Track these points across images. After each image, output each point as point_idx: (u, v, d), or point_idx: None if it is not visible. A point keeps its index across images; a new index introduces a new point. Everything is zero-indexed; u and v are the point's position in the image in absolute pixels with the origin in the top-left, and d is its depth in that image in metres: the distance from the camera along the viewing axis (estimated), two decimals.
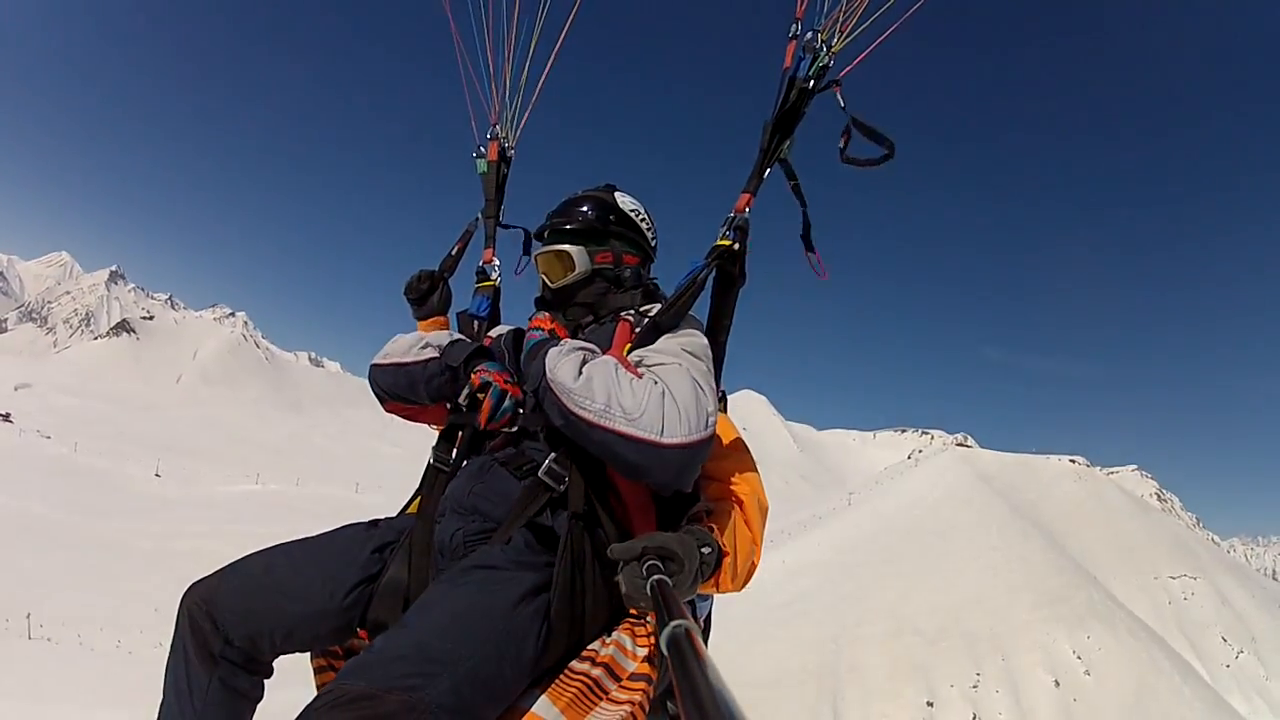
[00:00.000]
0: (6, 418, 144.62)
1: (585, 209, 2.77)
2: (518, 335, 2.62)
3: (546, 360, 2.16)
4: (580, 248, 2.70)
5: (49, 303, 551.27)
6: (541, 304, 2.78)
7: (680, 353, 2.28)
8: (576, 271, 2.68)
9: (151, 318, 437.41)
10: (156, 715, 2.22)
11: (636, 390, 2.06)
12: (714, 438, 2.13)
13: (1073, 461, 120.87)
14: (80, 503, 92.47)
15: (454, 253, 3.31)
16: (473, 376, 2.35)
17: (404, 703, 1.67)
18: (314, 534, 2.43)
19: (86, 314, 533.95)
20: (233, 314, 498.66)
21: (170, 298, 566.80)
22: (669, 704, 2.23)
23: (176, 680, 2.17)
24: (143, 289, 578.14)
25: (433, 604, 1.99)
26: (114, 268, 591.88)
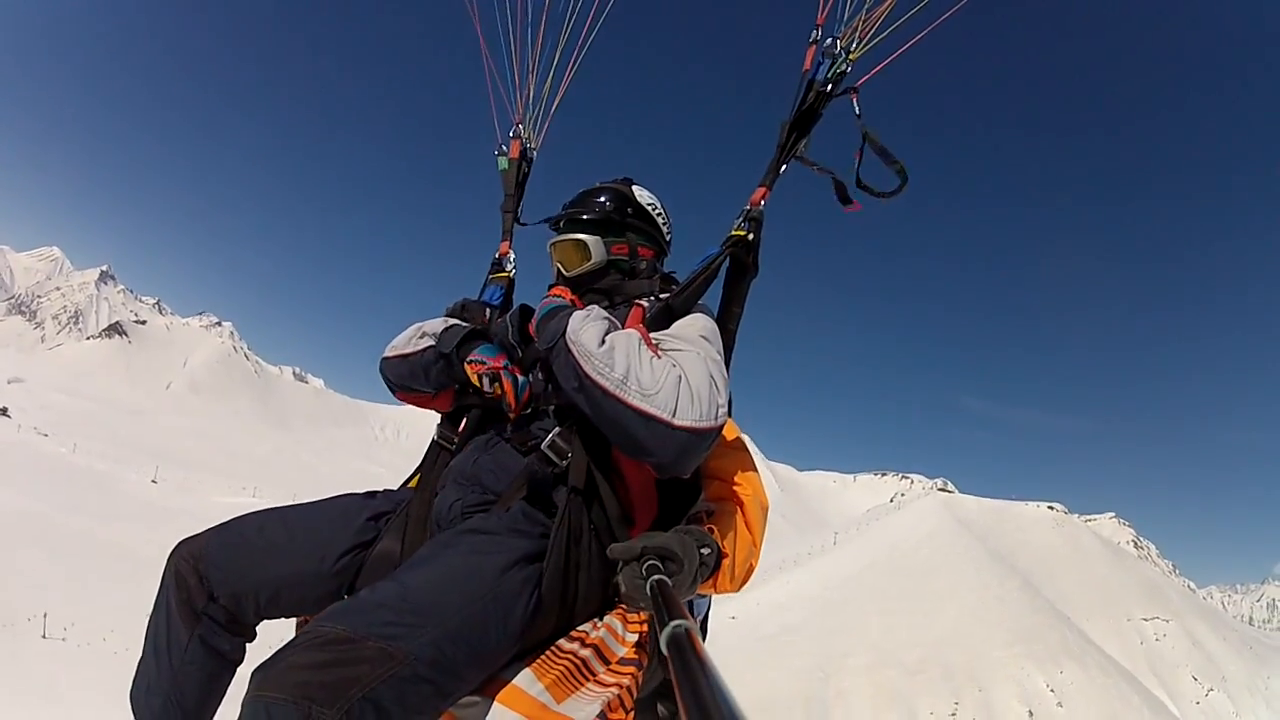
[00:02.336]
0: (4, 412, 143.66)
1: (602, 200, 2.79)
2: (525, 312, 2.73)
3: (570, 321, 2.19)
4: (596, 238, 2.71)
5: (38, 297, 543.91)
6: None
7: (697, 339, 2.30)
8: (592, 261, 2.70)
9: (144, 322, 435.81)
10: (134, 672, 2.23)
11: (655, 368, 2.07)
12: (721, 430, 2.15)
13: (1051, 508, 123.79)
14: (82, 504, 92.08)
15: (490, 279, 3.27)
16: (469, 369, 2.44)
17: (382, 651, 1.65)
18: (310, 500, 2.45)
19: (75, 312, 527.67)
20: (219, 323, 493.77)
21: (158, 302, 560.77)
22: (660, 705, 2.24)
23: (156, 636, 2.17)
24: (131, 291, 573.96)
25: (423, 560, 2.01)
26: (104, 267, 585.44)
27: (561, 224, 2.82)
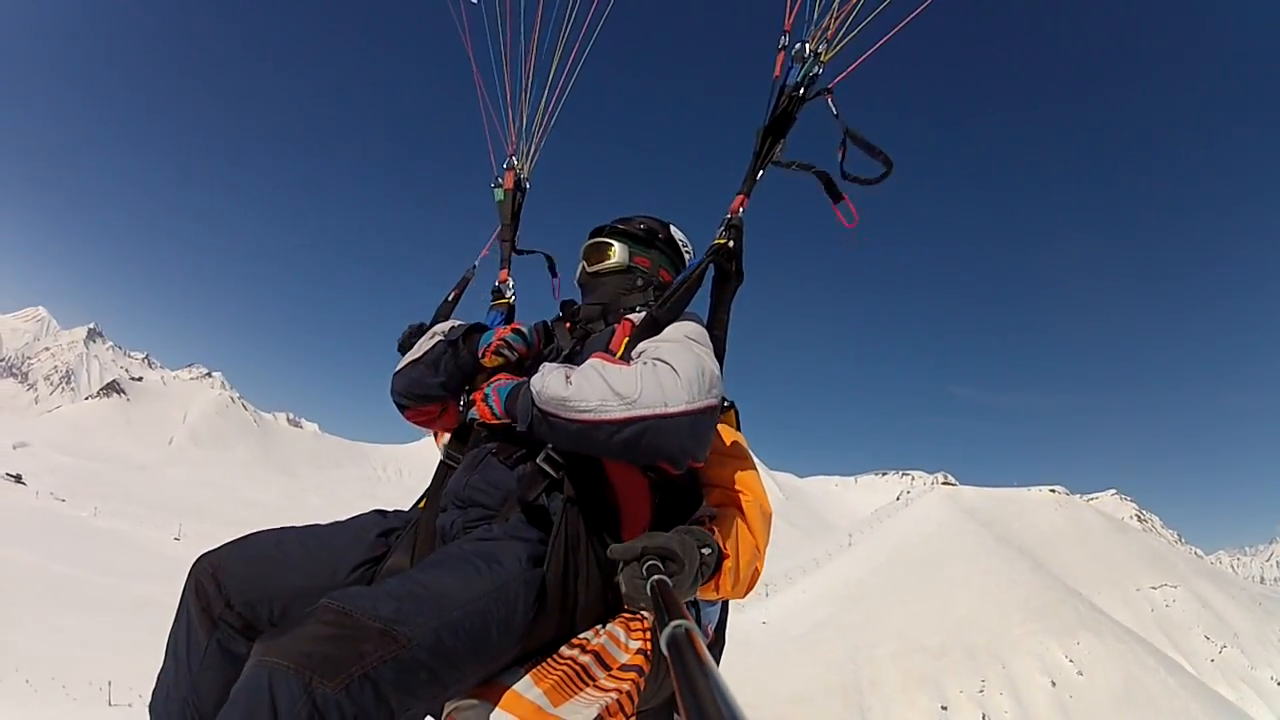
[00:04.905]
0: (19, 479, 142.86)
1: (638, 221, 3.03)
2: (544, 326, 2.91)
3: (532, 385, 2.20)
4: (624, 245, 2.95)
5: (28, 359, 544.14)
6: (563, 306, 3.03)
7: (682, 338, 2.35)
8: (614, 260, 2.92)
9: (139, 378, 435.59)
10: (154, 683, 2.25)
11: (626, 376, 2.10)
12: (721, 405, 2.20)
13: (1052, 491, 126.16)
14: (113, 566, 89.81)
15: (450, 299, 3.32)
16: (482, 352, 2.68)
17: (384, 633, 1.68)
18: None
19: (67, 371, 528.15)
20: (210, 374, 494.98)
21: (147, 356, 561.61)
22: (675, 716, 2.24)
23: (176, 643, 2.20)
24: (120, 347, 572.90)
25: (429, 564, 2.08)
26: (92, 325, 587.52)
27: (594, 234, 3.05)
